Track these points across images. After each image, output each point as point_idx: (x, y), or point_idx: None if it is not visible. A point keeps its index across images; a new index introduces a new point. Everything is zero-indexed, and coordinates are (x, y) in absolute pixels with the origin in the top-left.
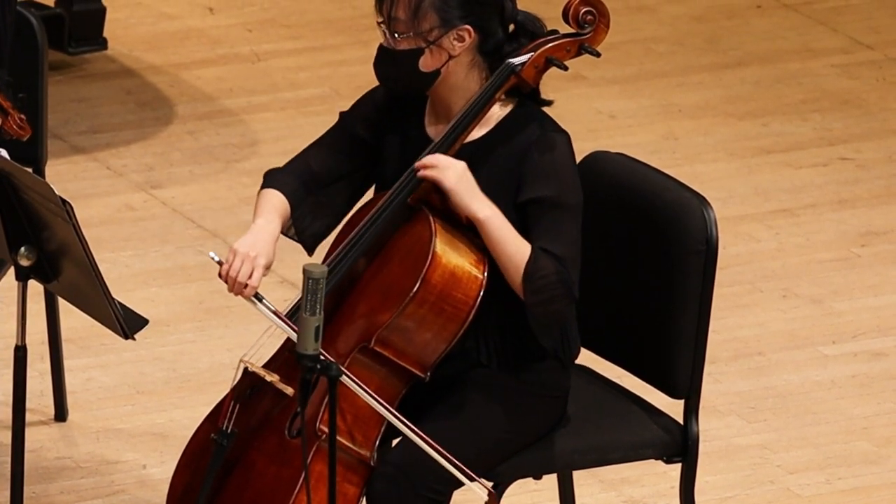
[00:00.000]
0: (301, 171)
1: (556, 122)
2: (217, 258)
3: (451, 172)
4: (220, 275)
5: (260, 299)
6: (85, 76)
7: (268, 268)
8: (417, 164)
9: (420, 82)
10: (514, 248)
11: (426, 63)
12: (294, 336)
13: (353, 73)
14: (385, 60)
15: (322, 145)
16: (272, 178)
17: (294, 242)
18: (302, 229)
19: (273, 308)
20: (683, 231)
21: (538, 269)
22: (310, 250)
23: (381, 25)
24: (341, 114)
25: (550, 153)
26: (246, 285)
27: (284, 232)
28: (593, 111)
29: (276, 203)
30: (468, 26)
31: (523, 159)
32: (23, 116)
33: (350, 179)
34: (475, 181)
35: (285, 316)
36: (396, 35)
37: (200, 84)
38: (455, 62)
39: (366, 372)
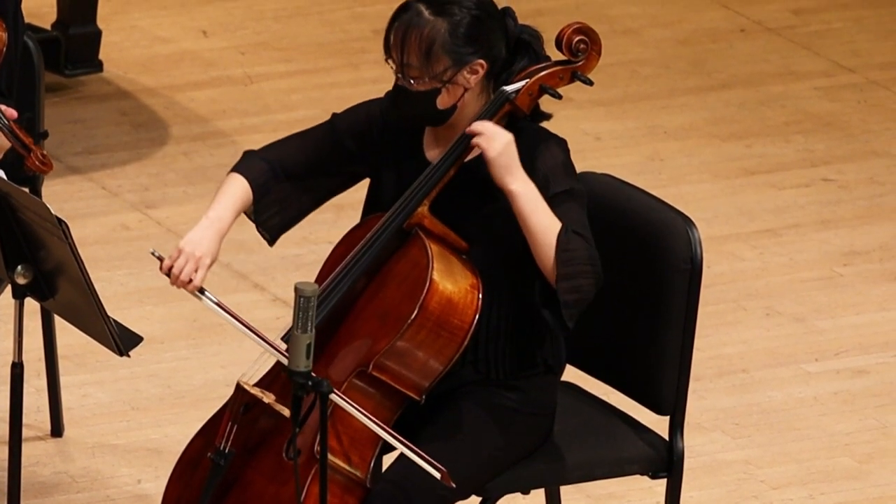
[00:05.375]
0: (276, 161)
1: (546, 129)
2: (157, 254)
3: (496, 143)
4: (161, 269)
5: (203, 292)
6: (81, 98)
7: (212, 264)
8: (467, 130)
9: (438, 118)
10: (548, 221)
11: (444, 101)
12: (247, 332)
13: (344, 96)
14: (402, 101)
15: (306, 140)
16: (245, 162)
17: (285, 262)
18: (263, 220)
19: (216, 300)
20: (668, 250)
21: (569, 241)
22: (270, 241)
23: (392, 66)
24: (334, 115)
25: (550, 152)
26: (190, 281)
27: (248, 214)
28: (580, 132)
29: (236, 192)
30: (481, 60)
31: (527, 166)
32: (45, 153)
33: (322, 182)
34: (517, 155)
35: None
36: (412, 80)
37: (194, 106)
38: (469, 93)
39: (361, 396)
